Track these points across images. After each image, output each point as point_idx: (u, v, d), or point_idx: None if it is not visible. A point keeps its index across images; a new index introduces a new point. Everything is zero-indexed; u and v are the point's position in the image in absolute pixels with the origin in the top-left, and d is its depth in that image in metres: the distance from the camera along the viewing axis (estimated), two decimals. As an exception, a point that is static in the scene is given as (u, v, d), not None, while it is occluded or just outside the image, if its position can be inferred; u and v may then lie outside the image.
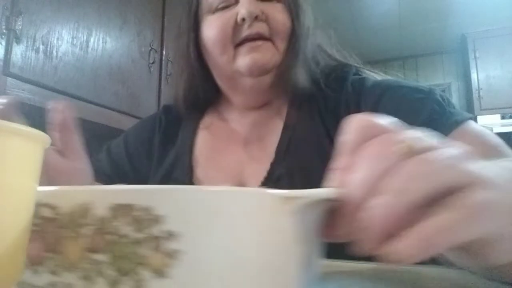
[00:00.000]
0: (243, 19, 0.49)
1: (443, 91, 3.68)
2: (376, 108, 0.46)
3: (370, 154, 0.21)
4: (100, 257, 0.18)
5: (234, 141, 0.57)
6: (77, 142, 0.47)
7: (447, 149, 0.20)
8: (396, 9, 2.99)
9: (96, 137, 1.49)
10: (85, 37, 1.17)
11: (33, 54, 0.99)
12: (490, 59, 3.33)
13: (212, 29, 0.52)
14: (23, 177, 0.17)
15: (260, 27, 0.50)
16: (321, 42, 0.59)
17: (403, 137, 0.21)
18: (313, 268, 0.26)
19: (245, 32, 0.50)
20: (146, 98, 1.45)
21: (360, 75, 0.55)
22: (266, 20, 0.50)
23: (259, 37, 0.50)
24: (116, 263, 0.18)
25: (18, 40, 0.95)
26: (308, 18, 0.55)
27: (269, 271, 0.21)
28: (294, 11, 0.52)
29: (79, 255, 0.19)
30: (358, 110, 0.48)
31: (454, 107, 0.44)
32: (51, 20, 1.05)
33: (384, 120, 0.22)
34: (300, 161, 0.50)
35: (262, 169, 0.51)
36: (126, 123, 1.35)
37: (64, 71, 1.08)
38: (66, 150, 0.43)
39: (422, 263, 0.30)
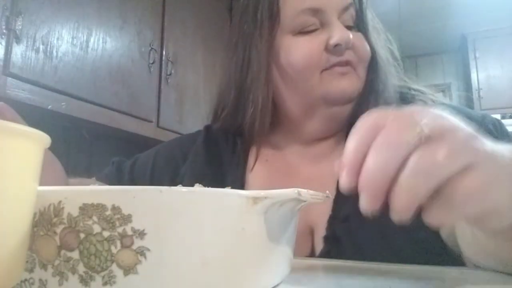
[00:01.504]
0: (338, 45, 0.47)
1: (443, 91, 3.63)
2: None
3: (383, 143, 0.22)
4: (72, 254, 0.19)
5: (294, 178, 0.53)
6: None
7: (457, 133, 0.22)
8: (396, 9, 2.99)
9: (96, 137, 1.50)
10: (85, 37, 1.17)
11: (33, 54, 0.99)
12: (490, 59, 3.33)
13: (298, 53, 0.49)
14: (23, 177, 0.17)
15: (350, 55, 0.49)
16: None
17: (416, 120, 0.22)
18: (283, 264, 0.26)
19: (335, 59, 0.48)
20: (146, 98, 1.45)
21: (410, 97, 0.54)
22: (352, 47, 0.49)
23: (347, 64, 0.49)
24: (88, 261, 0.19)
25: (18, 40, 0.95)
26: (385, 47, 0.54)
27: (236, 268, 0.22)
28: (372, 41, 0.51)
29: (53, 253, 0.19)
30: None
31: (508, 135, 0.43)
32: (51, 20, 1.05)
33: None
34: None
35: (326, 206, 0.48)
36: (126, 123, 1.35)
37: (64, 71, 1.08)
38: None
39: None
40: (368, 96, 0.50)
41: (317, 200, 0.24)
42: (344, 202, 0.47)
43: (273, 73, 0.52)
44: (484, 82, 3.31)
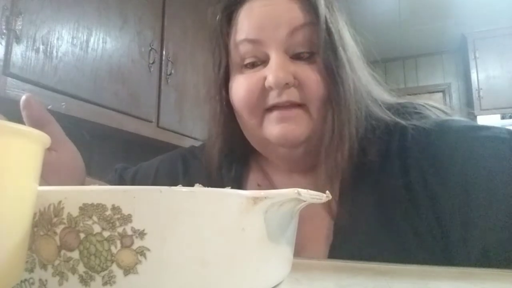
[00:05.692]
0: (271, 87, 0.43)
1: (443, 91, 3.65)
2: (471, 157, 0.39)
3: None
4: (72, 254, 0.19)
5: None
6: (59, 133, 0.45)
7: None
8: (396, 9, 2.99)
9: (96, 137, 1.50)
10: (85, 37, 1.17)
11: (33, 54, 0.99)
12: (490, 59, 3.33)
13: (239, 91, 0.46)
14: (23, 177, 0.17)
15: (291, 95, 0.43)
16: (370, 89, 0.49)
17: None
18: (283, 264, 0.27)
19: (274, 100, 0.44)
20: (146, 98, 1.45)
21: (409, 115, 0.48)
22: (298, 85, 0.44)
23: (289, 105, 0.44)
24: (88, 261, 0.19)
25: (18, 40, 0.95)
26: (351, 73, 0.45)
27: (236, 268, 0.22)
28: (331, 73, 0.43)
29: (53, 253, 0.19)
30: (435, 162, 0.42)
31: None
32: (51, 20, 1.05)
33: None
34: (364, 244, 0.43)
35: (321, 251, 0.45)
36: (126, 123, 1.35)
37: (64, 71, 1.08)
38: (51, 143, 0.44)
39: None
40: (329, 134, 0.44)
41: (317, 201, 0.24)
42: (342, 248, 0.44)
43: (230, 110, 0.50)
44: (484, 82, 3.32)
